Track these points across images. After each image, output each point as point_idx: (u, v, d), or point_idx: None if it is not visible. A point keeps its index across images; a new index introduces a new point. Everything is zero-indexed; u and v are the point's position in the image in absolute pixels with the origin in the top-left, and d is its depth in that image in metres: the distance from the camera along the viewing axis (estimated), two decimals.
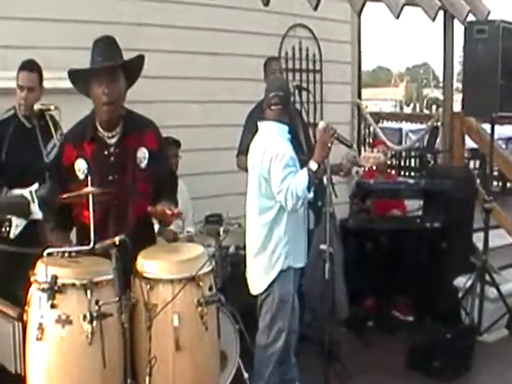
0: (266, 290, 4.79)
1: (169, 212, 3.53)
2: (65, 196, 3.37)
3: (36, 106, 4.79)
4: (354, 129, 8.85)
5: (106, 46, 3.71)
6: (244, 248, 6.12)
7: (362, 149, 9.56)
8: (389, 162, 10.33)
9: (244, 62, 7.30)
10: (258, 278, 4.82)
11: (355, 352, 6.08)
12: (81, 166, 3.64)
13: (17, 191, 4.73)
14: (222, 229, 5.02)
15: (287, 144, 4.75)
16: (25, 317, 3.20)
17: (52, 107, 4.74)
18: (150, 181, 3.76)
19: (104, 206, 3.59)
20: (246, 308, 5.17)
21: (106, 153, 3.71)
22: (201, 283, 3.34)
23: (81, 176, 3.62)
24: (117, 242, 3.08)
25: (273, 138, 4.74)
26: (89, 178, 3.37)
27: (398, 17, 5.75)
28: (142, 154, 3.76)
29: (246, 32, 7.31)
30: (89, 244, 3.27)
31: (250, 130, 5.70)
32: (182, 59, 6.86)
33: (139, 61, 3.81)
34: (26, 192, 4.74)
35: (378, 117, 11.74)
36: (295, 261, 4.79)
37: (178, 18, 6.80)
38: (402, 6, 5.61)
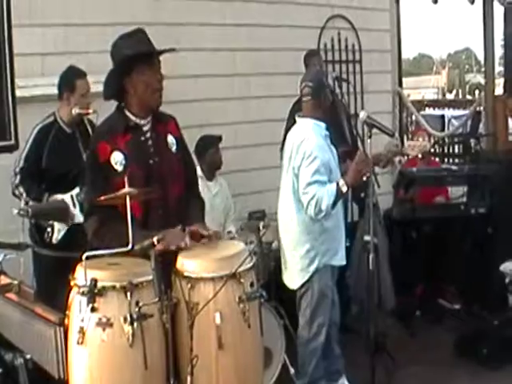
0: (304, 285, 4.81)
1: (205, 233, 3.63)
2: (102, 198, 3.38)
3: (74, 111, 4.85)
4: (396, 118, 8.81)
5: (145, 35, 3.78)
6: None
7: (405, 137, 9.51)
8: (432, 150, 10.25)
9: (282, 56, 7.31)
10: (295, 274, 4.86)
11: (402, 342, 6.09)
12: (117, 159, 3.65)
13: (58, 196, 4.79)
14: (261, 224, 5.03)
15: (322, 145, 4.71)
16: (66, 321, 3.24)
17: (90, 111, 4.79)
18: (182, 164, 3.86)
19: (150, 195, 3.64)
20: (291, 303, 5.16)
21: (142, 138, 3.76)
22: (242, 280, 3.31)
23: (119, 168, 3.63)
24: (155, 242, 3.10)
25: (308, 135, 4.72)
26: (126, 178, 3.36)
27: (435, 1, 5.67)
28: (171, 140, 3.83)
29: (284, 26, 7.32)
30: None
31: (291, 123, 5.75)
32: (220, 56, 6.90)
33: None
34: (67, 197, 4.79)
35: (420, 104, 11.66)
36: (333, 259, 4.81)
37: (216, 15, 6.84)
38: None
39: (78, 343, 3.13)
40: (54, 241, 4.81)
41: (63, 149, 4.88)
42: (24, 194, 4.78)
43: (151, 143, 3.78)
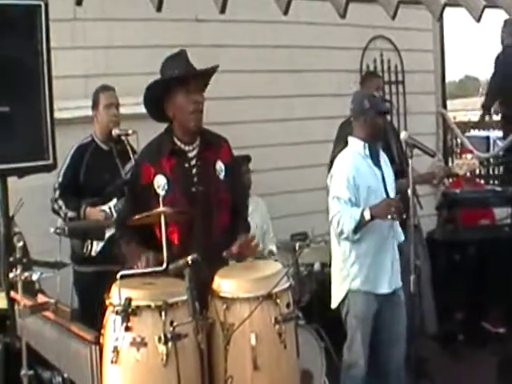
0: (342, 305, 4.76)
1: (247, 243, 3.64)
2: (136, 217, 3.39)
3: (115, 132, 4.91)
4: (440, 139, 8.70)
5: (185, 58, 3.79)
6: (330, 265, 6.14)
7: (449, 159, 9.41)
8: (477, 171, 10.13)
9: (325, 77, 7.30)
10: (333, 292, 4.84)
11: (445, 367, 5.96)
12: (160, 183, 3.60)
13: (96, 208, 4.87)
14: (298, 244, 5.00)
15: (357, 164, 4.68)
16: (101, 340, 3.23)
17: (130, 131, 4.81)
18: (229, 192, 3.80)
19: (190, 220, 3.63)
20: (333, 325, 5.10)
21: (186, 165, 3.73)
22: (278, 300, 3.27)
23: (161, 192, 3.54)
24: (189, 262, 3.09)
25: (342, 155, 4.77)
26: (160, 198, 3.36)
27: (478, 20, 5.61)
28: (219, 167, 3.79)
29: (326, 47, 7.30)
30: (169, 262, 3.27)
31: (338, 143, 5.73)
32: (261, 78, 6.89)
33: (214, 71, 3.85)
34: (105, 207, 4.88)
35: (465, 126, 11.54)
36: (373, 286, 4.69)
37: (257, 37, 6.84)
38: (482, 9, 5.46)
39: (112, 362, 3.12)
40: (94, 253, 4.87)
41: (100, 165, 5.00)
42: (63, 207, 4.89)
43: (196, 171, 3.75)
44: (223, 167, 3.80)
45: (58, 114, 5.50)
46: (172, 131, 3.79)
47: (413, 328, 5.00)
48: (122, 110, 5.23)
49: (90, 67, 5.85)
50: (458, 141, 10.12)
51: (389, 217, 4.43)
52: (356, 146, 4.74)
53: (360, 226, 4.46)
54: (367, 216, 4.43)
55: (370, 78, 6.28)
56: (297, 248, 4.83)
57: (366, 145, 4.71)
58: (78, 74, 5.80)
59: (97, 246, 4.86)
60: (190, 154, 3.76)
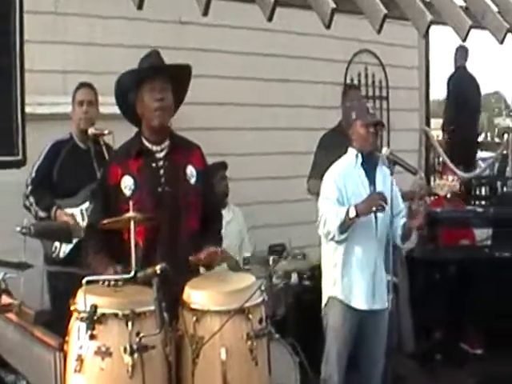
0: (323, 314, 4.70)
1: (213, 251, 3.56)
2: (105, 222, 3.32)
3: (90, 131, 4.79)
4: (422, 157, 8.69)
5: (154, 57, 3.75)
6: (308, 279, 6.03)
7: (431, 178, 9.36)
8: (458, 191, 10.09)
9: (309, 88, 7.25)
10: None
11: None
12: (127, 183, 3.61)
13: (68, 210, 4.73)
14: (271, 258, 4.89)
15: (346, 171, 4.63)
16: (65, 347, 3.11)
17: (106, 131, 4.72)
18: (200, 197, 3.73)
19: (155, 221, 3.55)
20: (311, 339, 5.03)
21: (154, 165, 3.68)
22: (250, 315, 3.19)
23: (127, 193, 3.59)
24: (158, 271, 2.96)
25: (335, 163, 4.75)
26: (130, 202, 3.30)
27: (464, 40, 5.56)
28: (190, 171, 3.73)
29: (312, 58, 7.25)
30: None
31: (318, 156, 5.69)
32: (245, 85, 6.81)
33: (186, 70, 3.81)
34: (76, 210, 4.75)
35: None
36: (349, 299, 4.59)
37: (242, 44, 6.78)
38: (468, 29, 5.40)
39: (75, 371, 3.00)
40: (62, 254, 4.74)
41: (75, 164, 4.84)
42: (34, 204, 4.75)
43: (163, 171, 3.69)
44: (194, 172, 3.74)
45: (34, 109, 5.49)
46: (141, 132, 3.76)
47: (390, 345, 4.88)
48: (101, 110, 5.09)
49: (70, 63, 5.74)
50: (441, 159, 10.09)
51: (373, 209, 4.38)
52: (350, 155, 4.71)
53: (345, 224, 4.41)
54: (352, 213, 4.38)
55: (349, 91, 6.27)
56: (270, 262, 4.71)
57: (359, 155, 4.65)
58: (57, 70, 5.71)
59: (66, 247, 4.72)
60: (158, 155, 3.72)
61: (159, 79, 3.64)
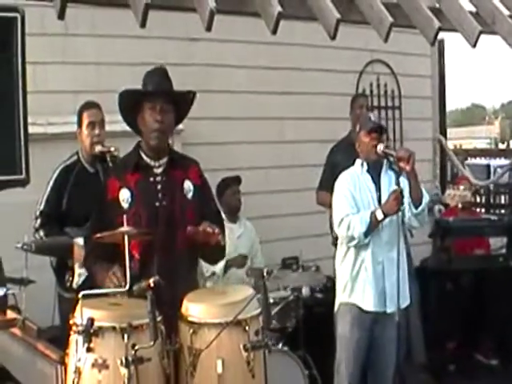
0: (334, 321, 4.77)
1: (210, 230, 3.52)
2: (98, 236, 3.35)
3: (97, 149, 4.73)
4: (437, 166, 8.64)
5: (160, 75, 3.77)
6: (320, 291, 6.05)
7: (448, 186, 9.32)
8: (474, 200, 10.02)
9: (319, 100, 7.28)
10: None
11: None
12: (124, 196, 3.65)
13: (79, 240, 4.53)
14: (265, 270, 4.89)
15: (354, 181, 4.70)
16: (66, 360, 3.16)
17: (112, 149, 4.68)
18: (197, 212, 3.74)
19: (150, 237, 3.58)
20: (322, 352, 5.06)
21: (151, 179, 3.72)
22: (247, 327, 3.21)
23: (125, 206, 3.63)
24: (151, 284, 3.01)
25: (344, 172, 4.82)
26: (124, 217, 3.33)
27: (474, 46, 5.54)
28: (188, 186, 3.76)
29: (322, 70, 7.28)
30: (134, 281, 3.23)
31: (328, 167, 5.73)
32: (255, 99, 6.87)
33: (191, 96, 3.81)
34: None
35: (467, 153, 11.51)
36: (359, 301, 4.63)
37: (251, 58, 6.83)
38: (478, 34, 5.39)
39: (73, 383, 3.04)
40: (75, 285, 4.68)
41: (85, 190, 4.67)
42: (44, 238, 4.68)
43: (161, 186, 3.72)
44: (192, 187, 3.77)
45: (45, 129, 5.60)
46: (140, 146, 3.80)
47: (400, 357, 4.88)
48: (111, 128, 5.11)
49: (80, 83, 5.83)
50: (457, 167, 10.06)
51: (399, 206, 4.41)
52: (356, 164, 4.79)
53: (371, 227, 4.48)
54: (380, 215, 4.46)
55: (355, 99, 6.34)
56: (265, 274, 4.71)
57: (365, 163, 4.72)
58: (68, 90, 5.79)
59: (78, 279, 4.70)
60: (156, 170, 3.75)
61: (160, 100, 3.66)
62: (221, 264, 5.38)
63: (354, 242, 4.54)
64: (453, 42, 6.17)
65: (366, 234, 4.48)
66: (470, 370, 6.46)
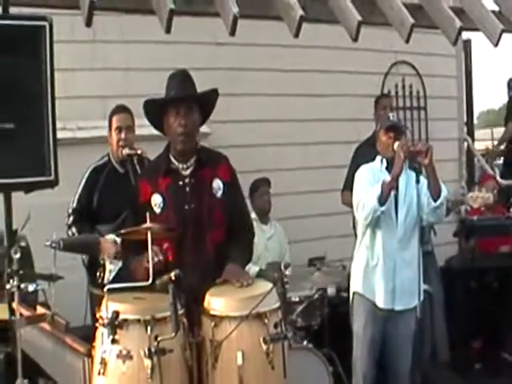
0: (350, 312, 4.85)
1: (238, 285, 3.55)
2: (122, 232, 3.48)
3: (124, 151, 4.83)
4: (463, 166, 8.65)
5: (181, 79, 3.84)
6: (346, 290, 6.11)
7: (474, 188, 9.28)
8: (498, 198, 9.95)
9: (345, 102, 7.34)
10: None
11: None
12: (157, 201, 3.74)
13: (110, 236, 4.64)
14: (283, 264, 4.97)
15: (370, 175, 4.78)
16: (93, 352, 3.28)
17: (139, 151, 4.79)
18: (226, 211, 3.81)
19: (180, 237, 3.69)
20: (347, 350, 5.04)
21: (180, 183, 3.78)
22: (266, 320, 3.30)
23: (157, 210, 3.71)
24: (173, 278, 3.12)
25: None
26: (147, 214, 3.43)
27: (496, 45, 5.57)
28: (217, 184, 3.81)
29: (347, 72, 7.34)
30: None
31: (353, 167, 5.77)
32: (281, 102, 6.95)
33: (213, 95, 3.88)
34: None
35: (496, 153, 11.39)
36: (372, 295, 4.71)
37: (277, 61, 6.91)
38: (500, 33, 5.40)
39: (99, 374, 3.17)
40: (106, 281, 4.80)
41: (115, 189, 4.82)
42: (76, 234, 4.81)
43: (189, 189, 3.79)
44: (221, 185, 3.83)
45: (74, 134, 5.73)
46: (169, 150, 3.87)
47: (423, 355, 4.93)
48: (140, 131, 5.20)
49: (109, 88, 5.96)
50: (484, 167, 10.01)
51: (401, 156, 4.47)
52: (377, 160, 4.85)
53: (384, 193, 4.48)
54: (388, 178, 4.53)
55: (379, 100, 6.38)
56: (283, 268, 4.79)
57: (384, 160, 4.78)
58: (97, 95, 5.93)
59: (109, 274, 4.81)
60: (184, 173, 3.82)
61: (183, 104, 3.73)
62: (253, 270, 5.48)
63: (371, 216, 4.55)
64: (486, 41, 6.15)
65: (380, 201, 4.48)
66: (496, 368, 6.46)
